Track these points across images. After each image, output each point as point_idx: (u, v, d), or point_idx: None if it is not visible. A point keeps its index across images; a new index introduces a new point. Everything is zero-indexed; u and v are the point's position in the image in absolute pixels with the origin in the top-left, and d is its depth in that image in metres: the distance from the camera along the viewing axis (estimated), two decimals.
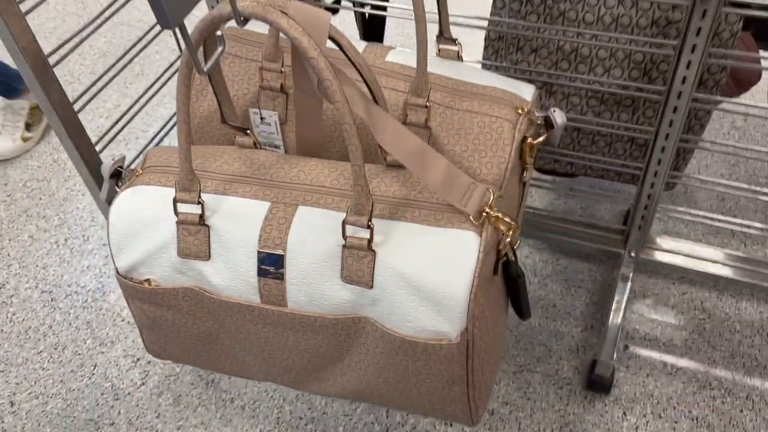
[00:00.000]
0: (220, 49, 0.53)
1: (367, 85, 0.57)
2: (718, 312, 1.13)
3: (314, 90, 0.65)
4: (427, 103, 0.71)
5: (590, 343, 1.10)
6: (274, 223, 0.63)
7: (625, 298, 1.03)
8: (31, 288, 1.32)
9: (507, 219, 0.60)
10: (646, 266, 1.17)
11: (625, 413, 1.02)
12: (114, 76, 0.89)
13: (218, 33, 0.54)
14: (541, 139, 0.74)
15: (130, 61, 0.89)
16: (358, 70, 0.56)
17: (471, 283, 0.58)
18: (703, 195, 1.32)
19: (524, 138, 0.73)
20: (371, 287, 0.61)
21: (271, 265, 0.63)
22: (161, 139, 1.08)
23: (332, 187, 0.64)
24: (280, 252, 0.63)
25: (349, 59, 0.55)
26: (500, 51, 0.95)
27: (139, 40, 0.92)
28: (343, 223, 0.59)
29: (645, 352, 1.08)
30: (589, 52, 0.90)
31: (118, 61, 0.89)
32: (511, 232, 0.60)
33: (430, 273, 0.59)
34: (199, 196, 0.64)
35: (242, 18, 0.48)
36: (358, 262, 0.60)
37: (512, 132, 0.72)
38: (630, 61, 0.89)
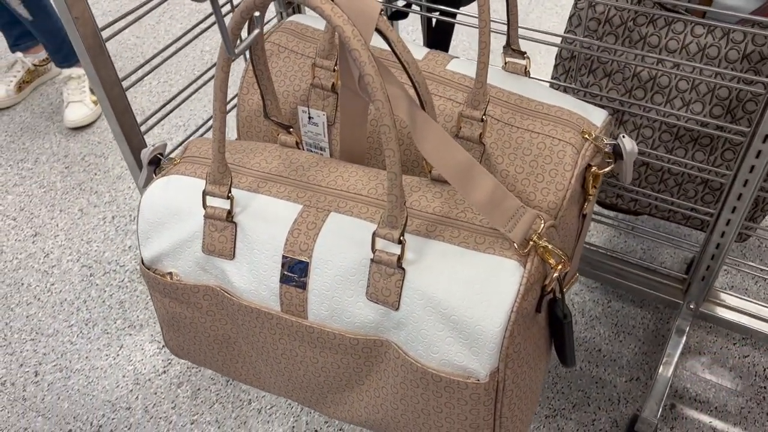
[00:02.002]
0: (255, 32, 0.50)
1: (415, 88, 0.52)
2: None
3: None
4: (484, 117, 0.66)
5: (633, 395, 1.02)
6: (302, 228, 0.59)
7: (678, 352, 0.95)
8: (72, 261, 1.33)
9: (558, 251, 0.54)
10: (705, 321, 1.07)
11: None
12: (165, 60, 0.87)
13: (256, 14, 0.50)
14: (607, 169, 0.68)
15: (183, 46, 0.87)
16: (405, 70, 0.51)
17: (507, 319, 0.53)
18: None
19: (589, 166, 0.67)
20: (397, 309, 0.56)
21: (295, 271, 0.59)
22: (204, 132, 1.06)
23: (369, 195, 0.60)
24: (305, 259, 0.59)
25: (397, 56, 0.50)
26: (571, 71, 0.89)
27: (193, 28, 0.90)
28: (373, 235, 0.55)
29: (693, 414, 0.99)
30: (669, 82, 0.83)
31: (170, 45, 0.87)
32: (560, 267, 0.54)
33: (462, 301, 0.53)
34: (229, 191, 0.61)
35: (286, 1, 0.44)
36: (385, 280, 0.56)
37: (575, 157, 0.66)
38: (713, 96, 0.81)
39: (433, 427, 0.60)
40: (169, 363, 1.12)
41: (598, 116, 0.70)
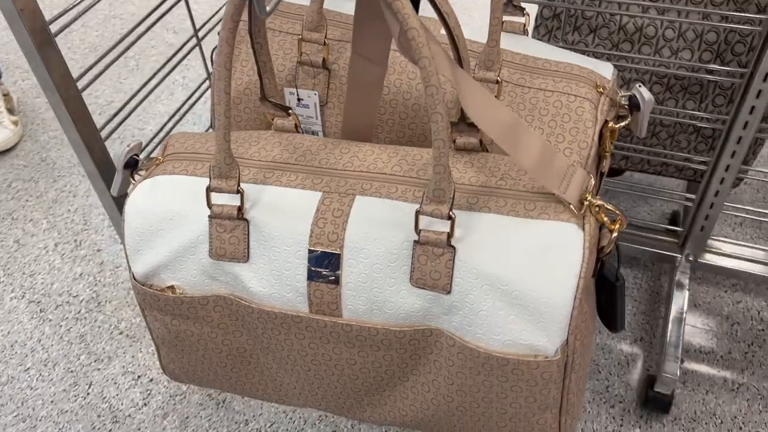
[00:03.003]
0: None
1: (455, 43, 0.47)
2: None
3: (379, 54, 0.55)
4: (498, 78, 0.62)
5: (641, 357, 1.00)
6: (328, 216, 0.53)
7: (686, 307, 0.94)
8: (17, 298, 1.19)
9: (613, 209, 0.50)
10: (702, 272, 1.07)
11: None
12: (108, 65, 0.78)
13: None
14: (623, 123, 0.65)
15: (125, 50, 0.78)
16: (445, 23, 0.46)
17: (576, 287, 0.48)
18: (749, 194, 1.23)
19: (605, 121, 0.64)
20: (449, 292, 0.50)
21: (324, 266, 0.53)
22: (161, 139, 0.97)
23: (394, 174, 0.54)
24: (335, 250, 0.52)
25: (436, 7, 0.44)
26: (554, 31, 0.85)
27: (131, 30, 0.81)
28: (417, 213, 0.49)
29: (702, 367, 0.99)
30: (655, 32, 0.81)
31: (110, 50, 0.77)
32: (617, 226, 0.50)
33: (523, 274, 0.49)
34: (238, 184, 0.53)
35: None
36: (433, 262, 0.50)
37: (594, 113, 0.62)
38: (701, 42, 0.80)
39: (495, 415, 0.55)
40: (149, 394, 1.02)
41: (605, 69, 0.67)
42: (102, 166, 0.74)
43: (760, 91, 0.74)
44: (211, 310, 0.58)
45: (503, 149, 0.48)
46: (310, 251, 0.53)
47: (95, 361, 1.08)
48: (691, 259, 0.95)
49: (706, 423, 0.93)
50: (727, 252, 0.95)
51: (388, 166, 0.55)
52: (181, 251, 0.56)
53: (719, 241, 0.96)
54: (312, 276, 0.53)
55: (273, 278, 0.54)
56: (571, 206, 0.49)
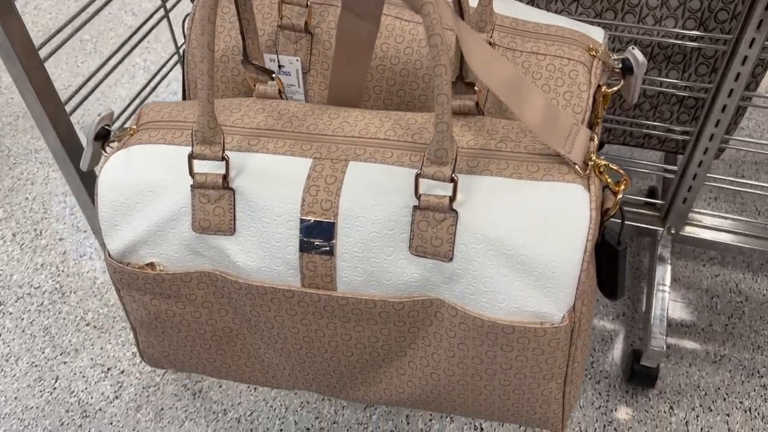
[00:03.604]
0: None
1: None
2: (755, 294, 1.05)
3: (372, 9, 0.52)
4: (491, 40, 0.59)
5: (624, 332, 1.00)
6: (320, 183, 0.50)
7: (669, 280, 0.93)
8: None
9: (617, 169, 0.48)
10: (675, 248, 1.08)
11: (672, 407, 0.92)
12: (71, 35, 0.73)
13: None
14: (615, 88, 0.63)
15: (79, 28, 0.73)
16: None
17: (583, 250, 0.46)
18: (722, 169, 1.24)
19: (598, 86, 0.62)
20: (450, 259, 0.48)
21: (318, 236, 0.50)
22: (123, 122, 0.92)
23: (388, 138, 0.51)
24: (329, 219, 0.49)
25: None
26: (536, 1, 0.83)
27: (87, 5, 0.76)
28: (418, 176, 0.46)
29: (684, 341, 0.99)
30: (638, 0, 0.80)
31: (68, 23, 0.73)
32: (623, 187, 0.48)
33: (529, 238, 0.46)
34: (223, 150, 0.50)
35: None
36: (434, 228, 0.47)
37: (588, 76, 0.60)
38: (685, 10, 0.79)
39: (498, 387, 0.53)
40: (120, 386, 0.98)
41: (597, 33, 0.65)
42: (68, 143, 0.69)
43: (745, 57, 0.74)
44: (194, 287, 0.54)
45: (508, 105, 0.46)
46: (302, 221, 0.50)
47: (61, 354, 1.03)
48: (672, 231, 0.95)
49: (690, 395, 0.93)
50: (708, 224, 0.95)
51: (381, 131, 0.52)
52: (161, 225, 0.53)
53: (700, 213, 0.96)
54: (304, 247, 0.50)
55: (262, 251, 0.51)
56: (576, 167, 0.47)
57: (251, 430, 0.92)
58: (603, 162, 0.48)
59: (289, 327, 0.54)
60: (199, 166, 0.50)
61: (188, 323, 0.57)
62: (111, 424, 0.94)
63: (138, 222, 0.53)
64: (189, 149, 0.52)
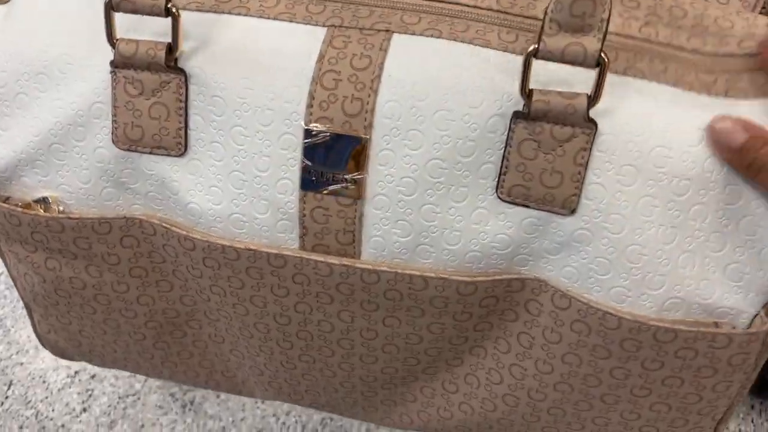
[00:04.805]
0: None
1: None
2: None
3: None
4: None
5: None
6: (342, 70, 0.28)
7: None
8: None
9: None
10: None
11: None
12: None
13: None
14: None
15: None
16: None
17: None
18: None
19: None
20: (573, 211, 0.27)
21: (334, 162, 0.28)
22: None
23: (459, 2, 0.29)
24: (357, 132, 0.28)
25: None
26: None
27: None
28: (529, 55, 0.25)
29: None
30: None
31: None
32: None
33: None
34: (168, 2, 0.28)
35: None
36: (549, 153, 0.27)
37: None
38: None
39: (615, 425, 0.33)
40: (90, 395, 0.76)
41: None
42: None
43: None
44: (116, 243, 0.33)
45: None
46: (306, 133, 0.28)
47: (18, 353, 0.80)
48: None
49: None
50: None
51: None
52: (59, 133, 0.31)
53: None
54: (308, 182, 0.29)
55: (233, 186, 0.30)
56: None
57: None
58: None
59: (275, 315, 0.33)
60: (127, 25, 0.28)
61: (107, 300, 0.35)
62: None
63: (21, 127, 0.31)
64: None
